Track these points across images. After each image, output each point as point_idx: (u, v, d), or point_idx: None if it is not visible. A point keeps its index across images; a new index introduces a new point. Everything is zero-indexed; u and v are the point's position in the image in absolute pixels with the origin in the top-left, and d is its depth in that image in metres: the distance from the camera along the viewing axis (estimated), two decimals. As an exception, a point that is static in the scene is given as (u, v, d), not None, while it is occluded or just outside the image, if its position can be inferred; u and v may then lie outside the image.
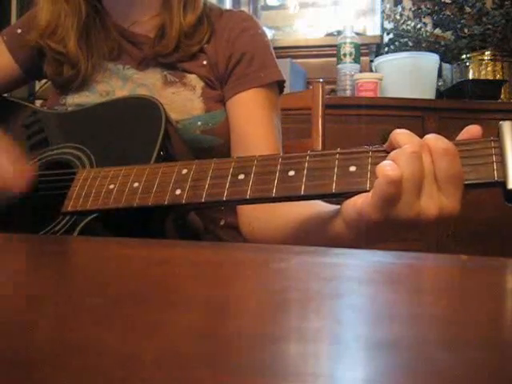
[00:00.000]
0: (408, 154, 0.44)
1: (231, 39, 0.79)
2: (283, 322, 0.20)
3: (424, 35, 2.14)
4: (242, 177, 0.51)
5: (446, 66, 2.12)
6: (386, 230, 0.47)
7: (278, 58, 0.82)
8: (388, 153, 0.47)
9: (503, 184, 0.42)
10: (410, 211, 0.44)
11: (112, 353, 0.17)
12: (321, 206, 0.57)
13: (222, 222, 0.82)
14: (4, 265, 0.34)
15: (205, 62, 0.79)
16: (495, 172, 0.43)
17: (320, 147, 1.02)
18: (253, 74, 0.77)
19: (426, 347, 0.17)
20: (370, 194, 0.46)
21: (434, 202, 0.45)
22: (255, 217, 0.71)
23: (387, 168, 0.44)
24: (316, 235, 0.57)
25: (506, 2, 2.01)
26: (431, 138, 0.46)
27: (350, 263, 0.33)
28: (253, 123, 0.76)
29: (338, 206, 0.51)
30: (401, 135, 0.47)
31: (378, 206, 0.44)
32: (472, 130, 0.47)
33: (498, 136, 0.44)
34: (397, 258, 0.34)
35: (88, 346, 0.17)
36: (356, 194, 0.48)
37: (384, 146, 0.48)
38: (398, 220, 0.45)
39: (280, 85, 0.82)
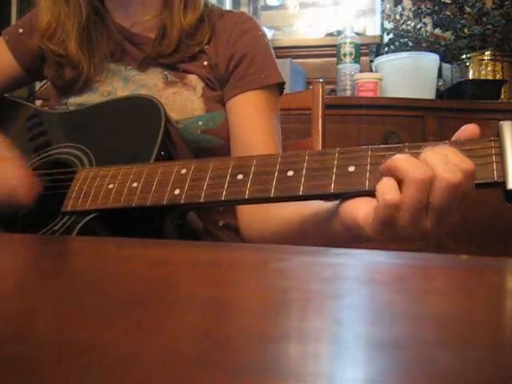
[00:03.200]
0: (416, 183, 0.43)
1: (232, 40, 0.79)
2: (283, 322, 0.20)
3: (424, 35, 2.14)
4: (240, 177, 0.51)
5: (445, 65, 2.12)
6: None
7: (277, 58, 0.82)
8: (383, 175, 0.45)
9: (503, 184, 0.42)
10: (414, 231, 0.45)
11: (113, 353, 0.16)
12: (318, 205, 0.57)
13: (220, 223, 0.82)
14: (3, 265, 0.34)
15: (205, 63, 0.79)
16: (495, 172, 0.43)
17: (320, 147, 1.02)
18: (253, 75, 0.77)
19: (426, 347, 0.17)
20: (371, 213, 0.46)
21: (436, 221, 0.45)
22: (254, 218, 0.71)
23: (385, 189, 0.44)
24: (314, 235, 0.57)
25: (506, 2, 2.01)
26: (437, 165, 0.43)
27: (350, 263, 0.33)
28: (252, 125, 0.76)
29: (336, 204, 0.51)
30: (402, 162, 0.44)
31: (379, 227, 0.45)
32: (469, 131, 0.47)
33: (498, 136, 0.44)
34: (397, 258, 0.34)
35: (89, 346, 0.17)
36: (355, 194, 0.47)
37: (382, 146, 0.48)
38: (399, 237, 0.46)
39: (280, 87, 0.82)
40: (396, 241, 0.49)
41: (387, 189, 0.44)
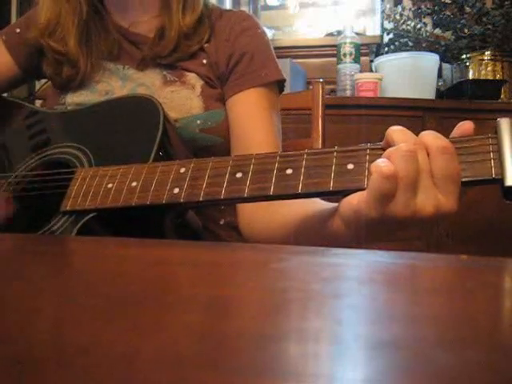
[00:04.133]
0: (403, 153, 0.44)
1: (231, 38, 0.79)
2: (283, 322, 0.20)
3: (424, 35, 2.14)
4: (239, 175, 0.51)
5: (446, 65, 2.12)
6: (383, 228, 0.47)
7: (277, 57, 0.82)
8: (385, 150, 0.47)
9: (501, 181, 0.42)
10: (406, 209, 0.44)
11: (112, 353, 0.16)
12: (319, 205, 0.57)
13: (221, 222, 0.82)
14: (2, 264, 0.34)
15: (204, 61, 0.79)
16: (493, 169, 0.43)
17: (320, 147, 1.02)
18: (253, 73, 0.77)
19: (425, 347, 0.17)
20: (366, 191, 0.46)
21: (430, 201, 0.44)
22: (254, 217, 0.71)
23: (381, 164, 0.44)
24: (315, 234, 0.57)
25: (506, 2, 2.01)
26: (428, 135, 0.46)
27: (350, 263, 0.33)
28: (253, 122, 0.76)
29: (336, 204, 0.51)
30: (396, 133, 0.46)
31: (373, 203, 0.44)
32: (464, 127, 0.47)
33: (496, 133, 0.44)
34: (397, 258, 0.34)
35: (88, 346, 0.17)
36: (354, 192, 0.47)
37: (381, 143, 0.48)
38: (394, 218, 0.45)
39: (280, 84, 0.82)
40: (395, 235, 0.49)
41: (382, 163, 0.44)
